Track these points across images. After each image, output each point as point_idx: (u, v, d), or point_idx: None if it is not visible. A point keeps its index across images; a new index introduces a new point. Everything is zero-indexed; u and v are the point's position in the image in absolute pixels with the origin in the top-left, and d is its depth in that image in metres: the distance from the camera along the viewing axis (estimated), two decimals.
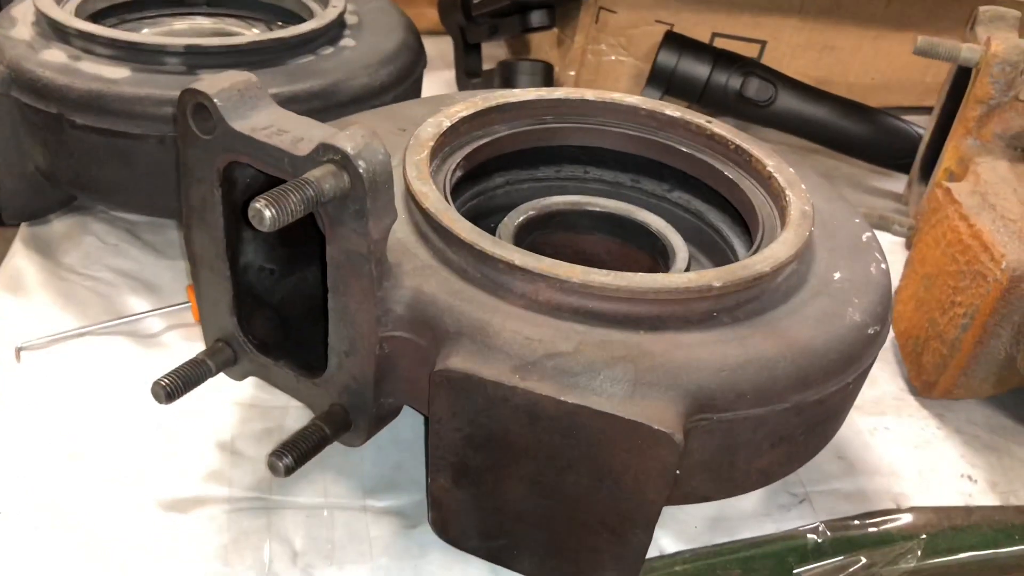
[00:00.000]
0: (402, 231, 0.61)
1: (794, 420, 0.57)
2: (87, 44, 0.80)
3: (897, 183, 1.16)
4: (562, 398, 0.51)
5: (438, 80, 1.31)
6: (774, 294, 0.59)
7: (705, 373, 0.53)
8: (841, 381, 0.58)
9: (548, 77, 1.18)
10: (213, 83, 0.56)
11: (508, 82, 1.17)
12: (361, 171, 0.51)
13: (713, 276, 0.56)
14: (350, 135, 0.52)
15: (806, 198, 0.66)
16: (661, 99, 1.13)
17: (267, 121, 0.56)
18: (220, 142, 0.56)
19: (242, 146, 0.55)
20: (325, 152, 0.52)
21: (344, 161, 0.51)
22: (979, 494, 0.73)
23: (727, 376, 0.53)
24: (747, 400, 0.54)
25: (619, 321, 0.55)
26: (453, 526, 0.60)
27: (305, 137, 0.54)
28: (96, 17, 0.93)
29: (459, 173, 0.70)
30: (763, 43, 1.22)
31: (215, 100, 0.55)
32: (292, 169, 0.53)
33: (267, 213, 0.48)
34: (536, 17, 1.16)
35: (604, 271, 0.56)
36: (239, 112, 0.56)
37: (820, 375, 0.56)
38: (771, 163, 0.70)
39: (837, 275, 0.63)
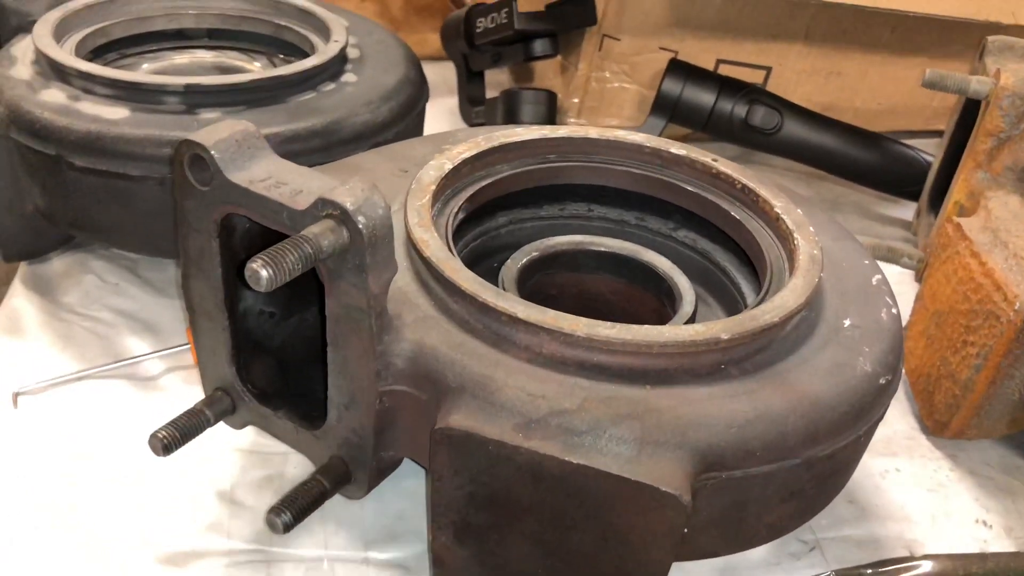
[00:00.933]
0: (403, 280, 0.60)
1: (804, 475, 0.56)
2: (87, 84, 0.80)
3: (905, 211, 1.15)
4: (567, 458, 0.50)
5: (441, 108, 1.30)
6: (783, 344, 0.58)
7: (714, 430, 0.52)
8: (852, 435, 0.57)
9: (552, 105, 1.17)
10: (210, 134, 0.55)
11: (511, 111, 1.16)
12: (361, 227, 0.50)
13: (721, 328, 0.55)
14: (350, 189, 0.51)
15: (815, 241, 0.65)
16: (666, 127, 1.12)
17: (265, 172, 0.55)
18: (217, 194, 0.55)
19: (240, 198, 0.54)
20: (324, 207, 0.51)
21: (343, 216, 0.50)
22: (994, 540, 0.71)
23: (736, 433, 0.52)
24: (757, 457, 0.53)
25: (625, 375, 0.54)
26: None
27: (304, 189, 0.53)
28: (97, 52, 0.93)
29: (461, 215, 0.69)
30: (768, 69, 1.21)
31: (212, 151, 0.54)
32: (291, 223, 0.53)
33: (264, 274, 0.47)
34: (539, 46, 1.15)
35: (609, 324, 0.54)
36: (237, 163, 0.55)
37: (831, 429, 0.55)
38: (779, 204, 0.69)
39: (847, 322, 0.61)
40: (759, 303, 0.61)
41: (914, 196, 1.10)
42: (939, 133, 1.10)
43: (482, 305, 0.56)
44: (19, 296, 0.85)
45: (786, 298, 0.59)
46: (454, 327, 0.56)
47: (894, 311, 0.64)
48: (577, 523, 0.52)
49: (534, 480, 0.51)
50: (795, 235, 0.65)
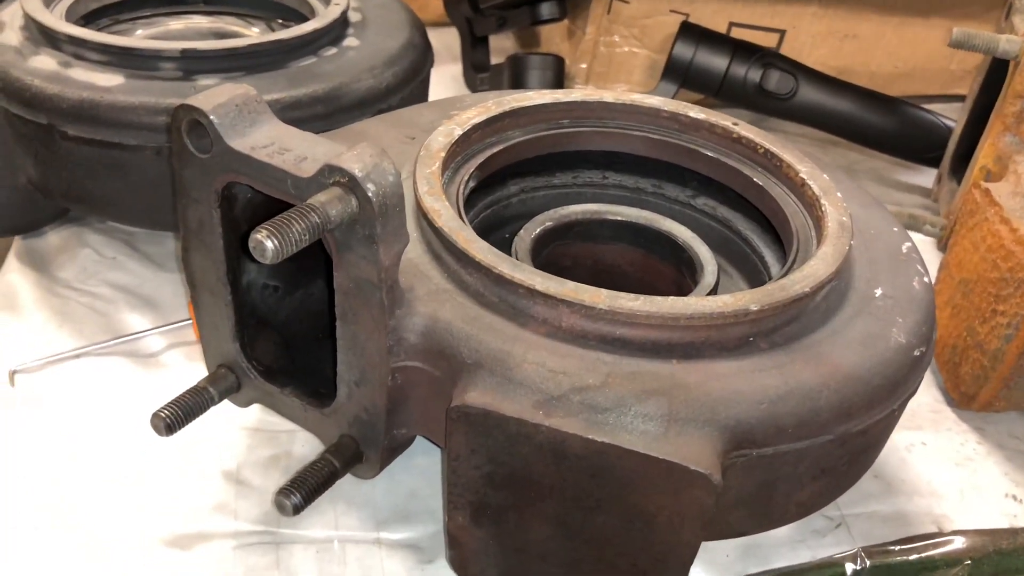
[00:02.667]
0: (414, 251, 0.57)
1: (836, 452, 0.53)
2: (78, 50, 0.76)
3: (923, 177, 1.12)
4: (590, 436, 0.47)
5: (444, 75, 1.27)
6: (813, 315, 0.56)
7: (743, 406, 0.49)
8: (886, 409, 0.54)
9: (559, 71, 1.14)
10: (209, 98, 0.52)
11: (517, 77, 1.13)
12: (370, 195, 0.47)
13: (749, 299, 0.52)
14: (358, 155, 0.48)
15: (843, 207, 0.62)
16: (678, 92, 1.09)
17: (268, 138, 0.52)
18: (218, 162, 0.52)
19: (241, 166, 0.51)
20: (331, 174, 0.48)
21: (352, 184, 0.47)
22: None
23: (767, 409, 0.50)
24: (788, 434, 0.50)
25: (650, 349, 0.51)
26: (472, 565, 0.56)
27: (309, 156, 0.50)
28: (89, 18, 0.89)
29: (472, 184, 0.66)
30: (782, 32, 1.18)
31: (211, 117, 0.51)
32: (296, 192, 0.50)
33: (269, 244, 0.44)
34: (546, 9, 1.11)
35: (632, 296, 0.52)
36: (237, 129, 0.52)
37: (864, 404, 0.53)
38: (804, 169, 0.66)
39: (879, 291, 0.59)
40: (787, 272, 0.58)
41: (934, 162, 1.07)
42: (958, 98, 1.07)
43: (498, 277, 0.53)
44: (14, 271, 0.83)
45: (816, 267, 0.56)
46: (469, 300, 0.54)
47: (926, 280, 0.61)
48: (601, 504, 0.50)
49: (555, 459, 0.49)
50: (822, 201, 0.62)
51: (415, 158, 0.63)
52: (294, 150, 0.51)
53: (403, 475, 0.67)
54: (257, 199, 0.57)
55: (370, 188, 0.47)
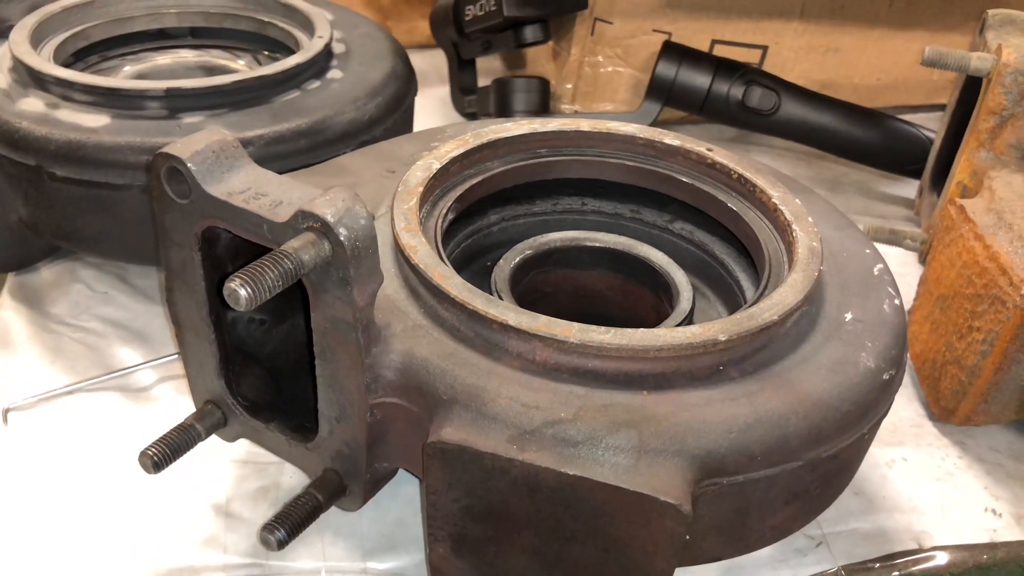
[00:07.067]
0: (391, 287, 0.58)
1: (808, 477, 0.54)
2: (65, 91, 0.78)
3: (907, 188, 1.13)
4: (563, 470, 0.49)
5: (432, 97, 1.28)
6: (783, 342, 0.57)
7: (713, 436, 0.50)
8: (856, 433, 0.55)
9: (544, 93, 1.15)
10: (187, 145, 0.53)
11: (503, 100, 1.14)
12: (343, 239, 0.48)
13: (718, 329, 0.54)
14: (330, 199, 0.49)
15: (814, 232, 0.63)
16: (661, 111, 1.10)
17: (244, 183, 0.53)
18: (197, 207, 0.54)
19: (219, 211, 0.53)
20: (304, 219, 0.49)
21: (324, 229, 0.49)
22: (1004, 529, 0.70)
23: (736, 438, 0.51)
24: (758, 462, 0.51)
25: (621, 381, 0.52)
26: None
27: (284, 200, 0.52)
28: (78, 55, 0.91)
29: (451, 216, 0.67)
30: (765, 48, 1.19)
31: (189, 164, 0.52)
32: (272, 236, 0.51)
33: (243, 293, 0.45)
34: (530, 32, 1.12)
35: (603, 328, 0.53)
36: (215, 175, 0.53)
37: (834, 429, 0.54)
38: (776, 194, 0.67)
39: (848, 316, 0.60)
40: (757, 300, 0.59)
41: (916, 174, 1.08)
42: (941, 107, 1.08)
43: (472, 312, 0.54)
44: (7, 308, 0.84)
45: (785, 294, 0.57)
46: (445, 336, 0.55)
47: (896, 302, 0.62)
48: (576, 535, 0.51)
49: (530, 493, 0.50)
50: (793, 227, 0.63)
51: (394, 193, 0.64)
52: (270, 195, 0.52)
53: (390, 504, 0.68)
54: (239, 239, 0.59)
55: (342, 233, 0.48)
